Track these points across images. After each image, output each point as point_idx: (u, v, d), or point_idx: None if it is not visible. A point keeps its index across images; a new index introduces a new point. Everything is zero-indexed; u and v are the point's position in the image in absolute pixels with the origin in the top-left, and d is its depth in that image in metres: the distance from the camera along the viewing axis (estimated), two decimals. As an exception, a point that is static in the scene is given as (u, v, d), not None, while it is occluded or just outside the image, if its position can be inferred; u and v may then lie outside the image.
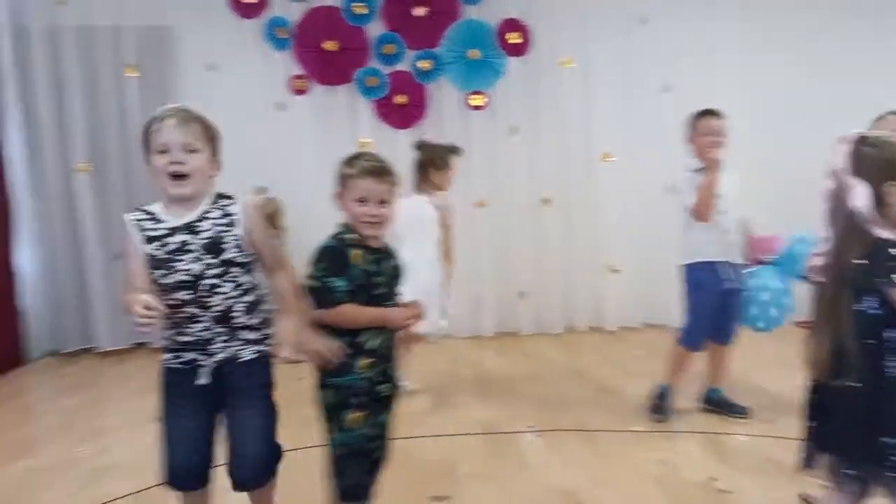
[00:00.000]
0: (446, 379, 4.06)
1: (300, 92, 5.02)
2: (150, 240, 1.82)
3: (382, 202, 1.96)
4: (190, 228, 1.82)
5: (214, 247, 1.82)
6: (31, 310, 4.90)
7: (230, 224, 1.85)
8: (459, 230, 3.97)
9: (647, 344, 4.84)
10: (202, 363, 1.85)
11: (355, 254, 1.94)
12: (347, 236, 1.97)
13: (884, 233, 1.66)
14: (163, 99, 4.65)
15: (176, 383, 1.87)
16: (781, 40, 5.14)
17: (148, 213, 1.86)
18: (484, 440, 3.08)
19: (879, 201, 1.66)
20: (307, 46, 4.98)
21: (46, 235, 4.94)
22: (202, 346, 1.84)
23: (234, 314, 1.85)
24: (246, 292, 1.87)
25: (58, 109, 4.83)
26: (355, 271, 1.93)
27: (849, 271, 1.67)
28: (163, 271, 1.80)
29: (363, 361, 1.94)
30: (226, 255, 1.83)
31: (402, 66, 5.08)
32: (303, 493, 2.50)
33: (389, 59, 5.05)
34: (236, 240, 1.85)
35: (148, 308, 1.65)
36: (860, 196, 1.67)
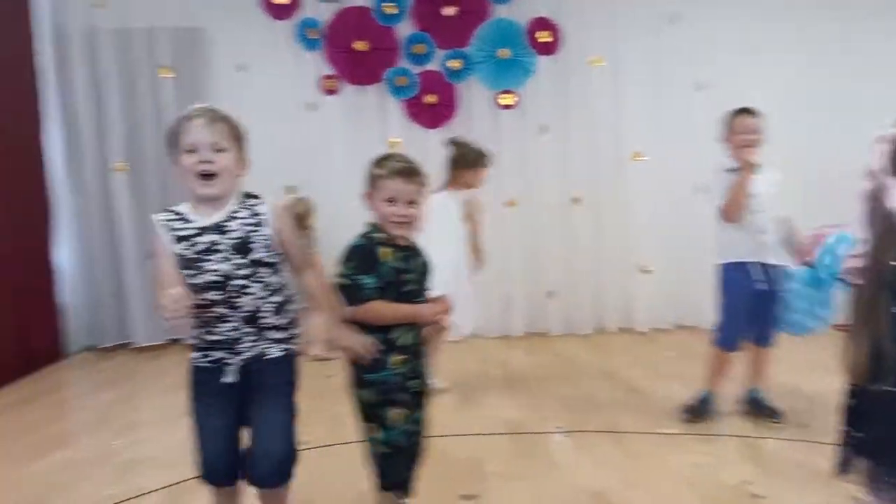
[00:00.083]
0: (475, 378, 4.06)
1: (331, 92, 5.06)
2: (179, 240, 1.82)
3: (411, 202, 1.99)
4: (219, 228, 1.82)
5: (243, 247, 1.82)
6: (69, 306, 5.02)
7: (259, 224, 1.85)
8: (489, 230, 3.97)
9: (678, 346, 4.79)
10: (229, 361, 1.85)
11: (384, 251, 1.97)
12: (376, 235, 2.00)
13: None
14: (196, 99, 4.66)
15: (204, 382, 1.88)
16: (814, 38, 5.06)
17: (176, 213, 1.86)
18: (512, 440, 3.08)
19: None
20: (338, 47, 5.02)
21: (84, 233, 5.07)
22: (230, 345, 1.84)
23: (262, 314, 1.85)
24: (274, 292, 1.87)
25: (96, 110, 4.95)
26: (385, 268, 1.96)
27: (887, 273, 1.64)
28: (192, 271, 1.80)
29: (395, 358, 1.98)
30: (254, 256, 1.83)
31: (431, 66, 5.09)
32: (335, 487, 2.53)
33: (419, 59, 5.07)
34: (265, 240, 1.85)
35: (176, 302, 1.66)
36: (899, 196, 1.63)
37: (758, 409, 3.23)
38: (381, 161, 2.03)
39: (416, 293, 2.03)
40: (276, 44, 5.01)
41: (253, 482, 1.88)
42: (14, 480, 2.80)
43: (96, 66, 4.91)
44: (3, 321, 4.25)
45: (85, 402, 4.07)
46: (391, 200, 1.97)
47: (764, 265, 3.09)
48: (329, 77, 5.05)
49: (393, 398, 1.98)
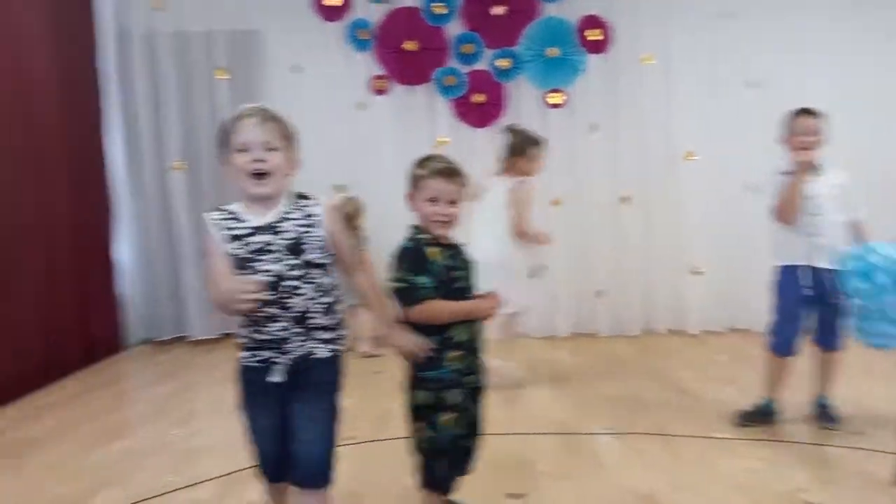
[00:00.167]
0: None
1: (380, 92, 5.12)
2: (233, 239, 1.82)
3: (452, 202, 2.02)
4: (272, 229, 1.81)
5: (296, 247, 1.81)
6: (129, 300, 5.20)
7: (312, 225, 1.84)
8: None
9: (730, 348, 4.71)
10: (277, 361, 1.83)
11: (432, 251, 2.01)
12: (421, 236, 2.04)
13: None
14: (251, 100, 4.82)
15: (252, 381, 1.87)
16: (870, 36, 4.91)
17: (229, 212, 1.86)
18: (559, 440, 3.07)
19: None
20: (388, 47, 5.08)
21: (144, 230, 5.23)
22: (278, 344, 1.83)
23: (311, 315, 1.84)
24: (324, 293, 1.86)
25: (154, 111, 5.11)
26: (436, 267, 1.99)
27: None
28: (244, 271, 1.79)
29: (452, 354, 2.00)
30: (307, 256, 1.82)
31: (480, 66, 5.10)
32: (381, 482, 2.57)
33: (468, 59, 5.09)
34: (318, 241, 1.84)
35: (248, 291, 1.68)
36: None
37: (823, 415, 3.15)
38: (423, 162, 2.07)
39: (465, 289, 2.06)
40: (328, 45, 5.09)
41: (294, 482, 1.87)
42: (78, 467, 2.91)
43: (155, 68, 5.07)
44: (68, 314, 4.42)
45: (143, 392, 4.22)
46: (433, 200, 2.01)
47: (816, 269, 3.02)
48: (379, 77, 5.11)
49: (446, 401, 1.99)
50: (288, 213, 1.85)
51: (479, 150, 5.02)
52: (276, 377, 1.83)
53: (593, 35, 5.05)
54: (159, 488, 2.64)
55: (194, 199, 5.13)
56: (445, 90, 5.09)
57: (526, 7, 5.06)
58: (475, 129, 5.14)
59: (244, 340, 1.88)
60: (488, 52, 5.09)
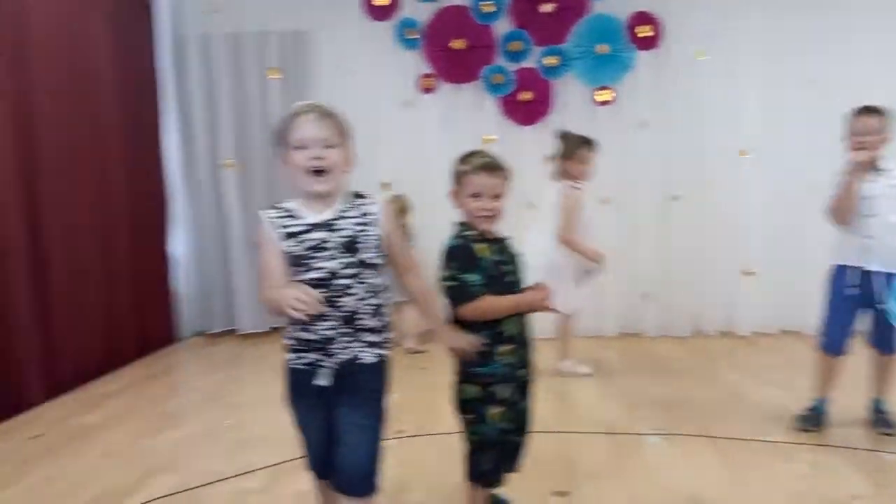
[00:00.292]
0: (567, 377, 4.04)
1: (428, 90, 5.15)
2: (288, 236, 1.80)
3: (496, 196, 2.02)
4: (328, 226, 1.80)
5: (351, 246, 1.80)
6: (182, 293, 5.34)
7: (368, 224, 1.83)
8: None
9: (783, 351, 4.60)
10: (323, 364, 1.82)
11: (480, 247, 2.01)
12: (468, 233, 2.04)
13: None
14: (301, 99, 4.91)
15: (299, 383, 1.85)
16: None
17: (285, 209, 1.85)
18: (605, 439, 3.04)
19: None
20: (436, 46, 5.10)
21: (197, 226, 5.37)
22: (324, 345, 1.81)
23: (360, 315, 1.81)
24: (374, 295, 1.84)
25: (208, 110, 5.23)
26: (485, 263, 2.00)
27: None
28: (298, 268, 1.79)
29: (503, 348, 2.00)
30: (361, 256, 1.80)
31: (527, 63, 5.09)
32: (429, 475, 2.59)
33: (516, 56, 5.08)
34: (374, 240, 1.83)
35: (302, 300, 1.66)
36: None
37: (879, 420, 3.06)
38: (465, 158, 2.07)
39: (515, 283, 2.07)
40: (377, 44, 5.13)
41: (338, 489, 1.85)
42: (134, 453, 3.02)
43: (210, 68, 5.19)
44: (125, 308, 4.57)
45: (195, 383, 4.33)
46: (476, 195, 2.01)
47: (867, 271, 2.93)
48: (427, 76, 5.14)
49: (496, 395, 2.00)
50: (345, 210, 1.83)
51: (526, 147, 5.02)
52: (323, 381, 1.81)
53: (643, 31, 4.99)
54: (211, 476, 2.71)
55: (245, 197, 5.25)
56: (493, 88, 5.09)
57: (575, 4, 5.02)
58: (522, 127, 5.13)
59: (291, 342, 1.87)
60: (536, 50, 5.07)
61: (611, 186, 4.98)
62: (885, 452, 2.82)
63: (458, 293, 1.99)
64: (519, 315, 2.05)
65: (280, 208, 1.86)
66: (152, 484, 2.66)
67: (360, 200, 1.88)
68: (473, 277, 1.98)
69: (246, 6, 5.12)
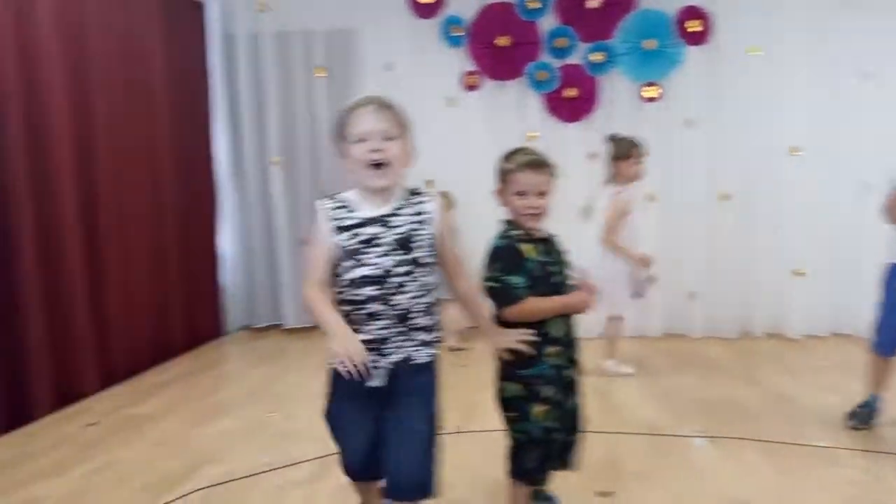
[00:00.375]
0: (610, 377, 4.00)
1: (472, 88, 5.15)
2: (342, 229, 1.77)
3: (541, 194, 2.00)
4: (383, 221, 1.77)
5: (406, 243, 1.76)
6: (230, 288, 5.45)
7: (423, 222, 1.80)
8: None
9: (834, 354, 4.48)
10: (377, 364, 1.78)
11: (526, 248, 1.99)
12: (514, 232, 2.02)
13: None
14: (346, 97, 4.96)
15: (349, 384, 1.76)
16: None
17: (340, 201, 1.81)
18: (649, 440, 3.01)
19: None
20: (481, 43, 5.09)
21: (244, 222, 5.47)
22: (377, 345, 1.77)
23: (413, 314, 1.79)
24: (426, 293, 1.81)
25: (257, 108, 5.31)
26: (531, 264, 1.98)
27: None
28: (351, 262, 1.75)
29: (550, 349, 1.99)
30: (415, 253, 1.77)
31: (572, 60, 5.04)
32: (471, 472, 2.60)
33: (561, 53, 5.04)
34: (428, 238, 1.80)
35: (352, 353, 1.64)
36: None
37: None
38: (510, 156, 2.05)
39: (561, 283, 2.05)
40: (421, 42, 5.14)
41: (393, 496, 1.79)
42: (183, 443, 3.10)
43: (258, 67, 5.27)
44: (173, 301, 4.69)
45: (241, 376, 4.42)
46: (522, 193, 1.99)
47: None
48: (471, 73, 5.14)
49: (540, 393, 1.99)
50: (400, 207, 1.81)
51: (569, 144, 4.98)
52: (376, 381, 1.78)
53: (693, 26, 4.90)
54: (257, 467, 2.77)
55: (291, 194, 5.32)
56: (537, 85, 5.07)
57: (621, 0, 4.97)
58: (566, 124, 5.09)
59: None
60: (582, 46, 5.02)
61: (657, 184, 4.91)
62: (943, 461, 2.73)
63: (500, 295, 1.98)
64: (564, 316, 2.04)
65: (336, 199, 1.82)
66: (201, 473, 2.73)
67: (416, 197, 1.85)
68: (517, 280, 1.96)
69: (293, 5, 5.18)
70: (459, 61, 5.15)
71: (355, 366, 1.65)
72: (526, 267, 1.97)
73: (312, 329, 5.30)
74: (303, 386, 3.92)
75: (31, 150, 3.40)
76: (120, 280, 4.09)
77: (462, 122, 5.14)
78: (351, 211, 1.80)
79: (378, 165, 1.75)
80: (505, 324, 2.01)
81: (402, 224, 1.78)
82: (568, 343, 2.05)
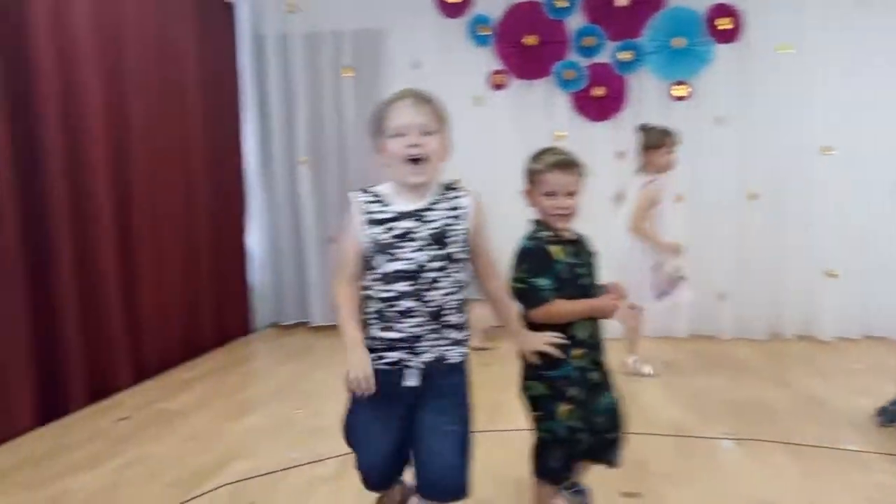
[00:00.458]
0: (636, 377, 3.98)
1: (499, 87, 5.14)
2: (375, 223, 1.74)
3: (570, 194, 1.99)
4: (418, 215, 1.74)
5: (440, 238, 1.73)
6: (258, 286, 5.52)
7: (458, 217, 1.76)
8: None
9: (867, 357, 4.40)
10: (409, 363, 1.75)
11: (555, 249, 1.99)
12: (543, 233, 2.02)
13: None
14: (373, 97, 5.01)
15: (380, 384, 1.74)
16: None
17: (374, 195, 1.78)
18: (675, 442, 2.99)
19: None
20: (508, 42, 5.09)
21: (272, 221, 5.53)
22: (410, 343, 1.74)
23: (446, 311, 1.76)
24: (458, 290, 1.78)
25: (285, 108, 5.37)
26: (559, 266, 1.98)
27: None
28: (385, 257, 1.72)
29: (575, 352, 1.98)
30: (449, 249, 1.74)
31: (600, 59, 5.02)
32: (495, 472, 2.61)
33: (588, 52, 5.02)
34: (462, 234, 1.76)
35: (361, 380, 1.67)
36: None
37: None
38: (538, 156, 2.05)
39: (589, 285, 2.05)
40: (449, 41, 5.14)
41: (429, 497, 1.77)
42: (213, 438, 3.15)
43: (287, 68, 5.32)
44: (203, 299, 4.76)
45: (269, 372, 4.47)
46: (551, 194, 1.99)
47: None
48: (498, 72, 5.14)
49: (565, 393, 1.99)
50: (436, 201, 1.77)
51: (597, 143, 4.95)
52: (412, 381, 1.75)
53: (723, 24, 4.84)
54: (284, 463, 2.81)
55: (319, 194, 5.37)
56: (565, 84, 5.05)
57: (651, -3, 4.93)
58: (594, 123, 5.07)
59: (369, 341, 1.78)
60: (610, 45, 5.00)
61: (686, 184, 4.87)
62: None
63: (527, 297, 1.99)
64: (591, 318, 2.03)
65: (370, 193, 1.79)
66: (229, 468, 2.78)
67: (451, 192, 1.81)
68: (543, 282, 1.96)
69: (322, 6, 5.22)
70: (486, 60, 5.15)
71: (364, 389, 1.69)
72: (554, 269, 1.97)
73: (338, 327, 5.34)
74: (329, 383, 3.96)
75: (69, 151, 3.48)
76: (152, 279, 4.16)
77: (489, 121, 5.13)
78: (385, 204, 1.76)
79: (416, 160, 1.71)
80: (531, 325, 2.01)
81: (438, 219, 1.75)
82: (593, 345, 2.05)
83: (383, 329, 1.76)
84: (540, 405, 2.04)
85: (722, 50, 4.88)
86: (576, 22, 5.02)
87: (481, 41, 5.12)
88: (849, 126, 4.72)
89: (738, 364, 4.32)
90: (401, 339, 1.74)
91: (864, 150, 4.70)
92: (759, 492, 2.48)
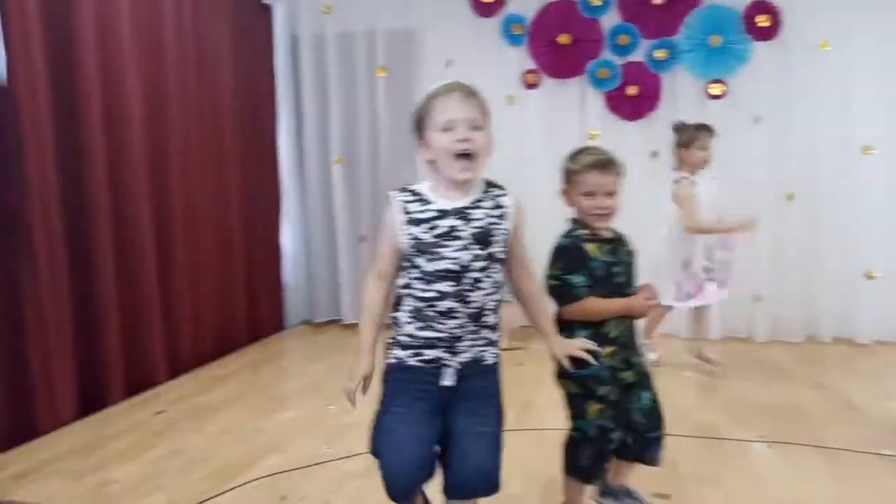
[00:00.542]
0: (667, 378, 3.94)
1: (532, 86, 5.13)
2: (417, 222, 1.68)
3: (609, 194, 1.99)
4: (462, 214, 1.67)
5: (484, 237, 1.67)
6: (291, 283, 5.59)
7: (501, 217, 1.71)
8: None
9: (907, 361, 4.30)
10: (447, 363, 1.71)
11: (591, 247, 1.99)
12: (580, 232, 2.02)
13: None
14: (406, 96, 5.05)
15: (411, 381, 1.72)
16: None
17: (414, 193, 1.72)
18: (707, 443, 2.96)
19: None
20: (541, 41, 5.08)
21: (305, 219, 5.60)
22: (449, 343, 1.70)
23: (485, 312, 1.72)
24: (497, 291, 1.74)
25: (319, 108, 5.42)
26: (595, 264, 1.98)
27: None
28: (427, 256, 1.67)
29: (606, 350, 1.98)
30: (492, 249, 1.69)
31: (634, 57, 4.98)
32: (526, 469, 2.61)
33: (623, 50, 4.98)
34: (504, 234, 1.71)
35: (349, 398, 1.76)
36: None
37: None
38: (575, 156, 2.05)
39: (626, 284, 2.05)
40: (482, 40, 5.14)
41: (459, 497, 1.76)
42: (247, 432, 3.21)
43: (322, 68, 5.37)
44: (237, 295, 4.84)
45: (302, 369, 4.54)
46: (590, 194, 1.99)
47: None
48: (531, 71, 5.12)
49: (596, 392, 1.99)
50: (480, 199, 1.71)
51: (631, 142, 4.91)
52: (448, 381, 1.71)
53: (761, 21, 4.76)
54: (317, 457, 2.86)
55: (352, 192, 5.42)
56: (598, 83, 5.02)
57: (687, -5, 4.88)
58: (626, 123, 5.03)
59: (405, 338, 1.74)
60: (644, 43, 4.96)
61: (721, 183, 4.79)
62: None
63: (561, 293, 1.99)
64: (624, 317, 2.03)
65: (409, 191, 1.73)
66: (265, 462, 2.83)
67: (494, 190, 1.76)
68: (578, 279, 1.97)
69: (356, 7, 5.26)
70: (520, 59, 5.14)
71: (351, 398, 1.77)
72: (589, 266, 1.97)
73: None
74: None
75: (111, 152, 3.57)
76: (188, 277, 4.24)
77: (522, 120, 5.11)
78: (426, 203, 1.70)
79: (466, 156, 1.65)
80: (564, 322, 2.02)
81: (482, 218, 1.69)
82: (625, 344, 2.04)
83: (420, 329, 1.71)
84: (572, 403, 2.05)
85: (759, 48, 4.81)
86: (610, 20, 4.99)
87: (515, 40, 5.12)
88: (891, 125, 4.62)
89: (772, 366, 4.26)
90: (439, 339, 1.70)
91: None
92: (790, 495, 2.45)
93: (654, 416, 2.10)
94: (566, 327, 2.02)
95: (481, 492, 1.76)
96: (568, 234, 2.04)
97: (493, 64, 5.11)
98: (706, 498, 2.45)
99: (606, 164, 2.00)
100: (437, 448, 1.76)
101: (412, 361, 1.73)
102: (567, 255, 2.00)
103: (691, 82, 4.93)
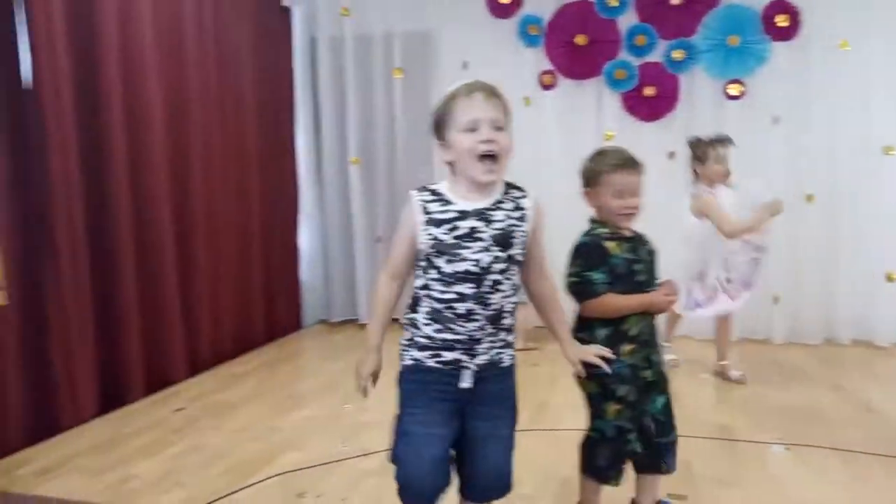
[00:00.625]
0: (684, 379, 3.93)
1: (548, 87, 5.13)
2: (437, 223, 1.66)
3: (635, 193, 2.01)
4: (482, 215, 1.66)
5: (504, 239, 1.66)
6: (308, 283, 5.63)
7: (521, 219, 1.70)
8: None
9: (928, 364, 4.26)
10: (466, 365, 1.70)
11: (612, 245, 2.01)
12: (600, 230, 2.04)
13: None
14: (422, 98, 5.07)
15: (429, 383, 1.72)
16: None
17: (434, 193, 1.70)
18: (723, 445, 2.95)
19: None
20: (558, 42, 5.07)
21: (323, 220, 5.63)
22: (468, 345, 1.69)
23: (504, 315, 1.71)
24: (515, 293, 1.74)
25: (337, 109, 5.45)
26: (616, 261, 1.99)
27: None
28: (448, 258, 1.65)
29: (626, 348, 1.99)
30: (512, 251, 1.67)
31: (652, 58, 4.96)
32: (540, 469, 2.62)
33: (640, 51, 4.96)
34: (523, 236, 1.70)
35: (365, 381, 1.78)
36: None
37: None
38: (598, 157, 2.06)
39: (647, 282, 2.05)
40: (498, 41, 5.13)
41: (475, 500, 1.78)
42: (265, 429, 3.25)
43: (339, 70, 5.40)
44: (255, 294, 4.89)
45: (319, 368, 4.57)
46: (619, 194, 2.00)
47: None
48: (547, 72, 5.12)
49: (615, 392, 1.99)
50: (501, 201, 1.69)
51: (647, 143, 4.89)
52: (466, 383, 1.70)
53: (780, 21, 4.73)
54: (334, 455, 2.88)
55: (369, 193, 5.45)
56: (615, 84, 5.01)
57: (705, -5, 4.85)
58: (644, 123, 5.01)
59: (423, 340, 1.73)
60: (662, 44, 4.93)
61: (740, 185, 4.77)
62: None
63: (581, 290, 2.00)
64: (645, 315, 2.03)
65: (429, 191, 1.71)
66: (283, 459, 2.87)
67: (514, 192, 1.74)
68: (598, 276, 1.98)
69: (373, 9, 5.29)
70: (536, 60, 5.13)
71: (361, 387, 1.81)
72: (609, 263, 1.98)
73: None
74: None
75: (132, 153, 3.63)
76: (207, 277, 4.29)
77: (538, 121, 5.11)
78: (448, 203, 1.67)
79: (490, 157, 1.62)
80: (585, 320, 2.03)
81: (502, 220, 1.67)
82: (645, 342, 2.04)
83: (439, 330, 1.70)
84: (591, 403, 2.06)
85: (778, 48, 4.77)
86: (627, 21, 4.97)
87: (531, 41, 5.12)
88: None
89: (790, 368, 4.23)
90: (458, 341, 1.69)
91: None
92: (808, 497, 2.44)
93: (665, 421, 2.10)
94: (587, 325, 2.03)
95: (498, 494, 1.81)
96: (588, 233, 2.06)
97: (509, 65, 5.11)
98: (723, 500, 2.45)
99: (632, 163, 2.02)
100: (452, 452, 1.77)
101: (431, 363, 1.72)
102: (587, 253, 2.01)
103: (709, 83, 4.91)
